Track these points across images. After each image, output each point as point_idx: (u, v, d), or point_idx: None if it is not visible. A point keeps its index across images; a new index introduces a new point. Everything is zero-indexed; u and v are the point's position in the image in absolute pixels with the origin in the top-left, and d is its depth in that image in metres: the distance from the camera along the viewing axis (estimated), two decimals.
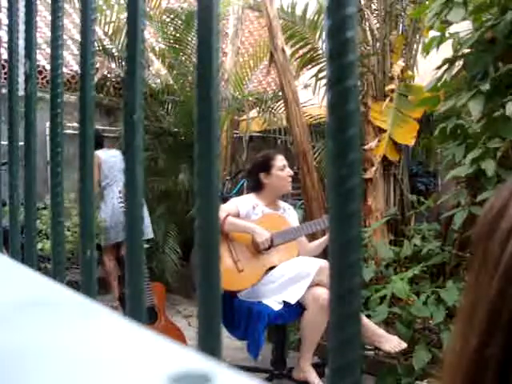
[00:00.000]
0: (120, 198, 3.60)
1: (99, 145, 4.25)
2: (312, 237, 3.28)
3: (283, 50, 4.05)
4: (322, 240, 2.81)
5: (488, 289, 0.51)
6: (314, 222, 2.77)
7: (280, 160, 2.74)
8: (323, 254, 2.86)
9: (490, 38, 2.54)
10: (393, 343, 2.48)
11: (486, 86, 2.43)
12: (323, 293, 2.39)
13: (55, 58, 0.52)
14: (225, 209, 2.60)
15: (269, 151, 2.92)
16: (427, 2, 3.33)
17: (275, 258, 2.62)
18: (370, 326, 2.52)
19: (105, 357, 0.24)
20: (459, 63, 2.84)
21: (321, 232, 2.97)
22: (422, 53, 2.95)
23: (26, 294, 0.33)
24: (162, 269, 4.50)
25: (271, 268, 2.60)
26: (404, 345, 2.49)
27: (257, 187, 2.77)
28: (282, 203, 2.86)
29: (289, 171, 2.75)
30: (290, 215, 2.84)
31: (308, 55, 4.48)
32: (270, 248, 2.60)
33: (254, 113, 5.56)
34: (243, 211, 2.67)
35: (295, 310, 2.53)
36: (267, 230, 2.60)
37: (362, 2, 4.06)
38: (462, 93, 2.59)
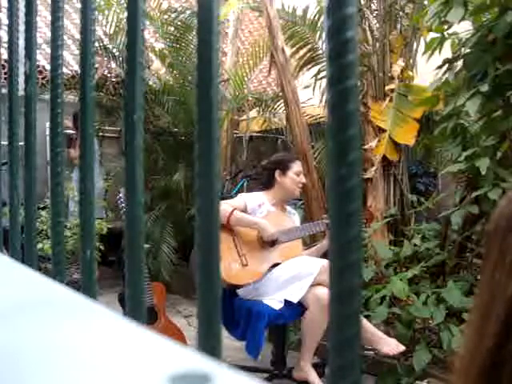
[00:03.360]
0: None
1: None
2: (312, 238, 3.29)
3: (283, 50, 4.05)
4: (314, 249, 2.83)
5: (506, 285, 0.50)
6: (318, 223, 2.78)
7: (298, 165, 2.80)
8: (323, 254, 2.86)
9: (492, 40, 2.54)
10: (391, 346, 2.48)
11: (485, 87, 2.43)
12: (324, 293, 2.39)
13: (55, 58, 0.52)
14: (232, 203, 2.63)
15: (290, 154, 2.99)
16: (426, 3, 3.34)
17: (279, 255, 2.64)
18: (369, 328, 2.53)
19: (105, 357, 0.24)
20: (459, 63, 2.84)
21: (321, 233, 2.98)
22: (423, 54, 2.95)
23: (26, 294, 0.33)
24: (158, 268, 4.50)
25: (274, 266, 2.61)
26: (402, 347, 2.49)
27: (268, 183, 2.79)
28: (287, 207, 2.89)
29: (302, 178, 2.78)
30: (295, 219, 2.87)
31: (308, 55, 4.48)
32: (274, 244, 2.61)
33: (253, 113, 5.55)
34: (250, 207, 2.69)
35: (295, 310, 2.53)
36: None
37: (362, 2, 4.06)
38: (462, 93, 2.59)
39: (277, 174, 2.75)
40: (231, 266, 2.55)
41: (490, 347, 0.50)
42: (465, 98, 2.49)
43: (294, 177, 2.74)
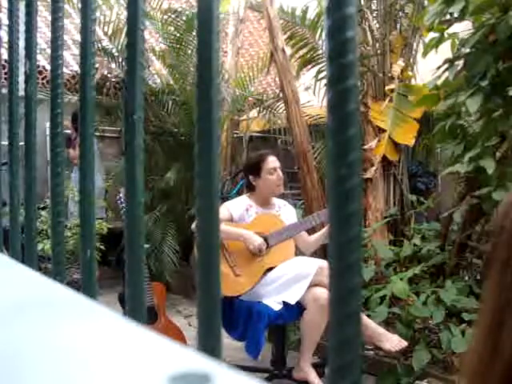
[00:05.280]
0: None
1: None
2: (312, 232, 3.27)
3: (283, 50, 4.05)
4: (321, 232, 2.77)
5: None
6: (309, 218, 2.73)
7: (270, 162, 2.67)
8: (323, 254, 2.85)
9: (493, 41, 2.54)
10: (393, 342, 2.47)
11: (485, 82, 2.43)
12: (323, 293, 2.39)
13: (55, 59, 0.52)
14: None
15: (262, 152, 2.81)
16: (426, 3, 3.34)
17: (272, 259, 2.60)
18: (371, 325, 2.52)
19: (105, 357, 0.24)
20: (459, 63, 2.84)
21: (319, 227, 2.94)
22: (423, 55, 2.95)
23: (26, 294, 0.33)
24: (160, 268, 4.50)
25: (269, 269, 2.59)
26: (404, 343, 2.48)
27: (250, 187, 2.74)
28: (276, 201, 2.81)
29: (278, 174, 2.67)
30: (287, 212, 2.80)
31: (308, 55, 4.48)
32: (264, 251, 2.58)
33: (254, 113, 5.55)
34: (236, 215, 2.65)
35: (295, 310, 2.52)
36: (262, 231, 2.59)
37: (362, 2, 4.06)
38: (462, 92, 2.59)
39: (251, 179, 2.69)
40: (224, 279, 2.49)
41: (507, 359, 0.47)
42: (465, 96, 2.49)
43: (268, 177, 2.65)
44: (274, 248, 2.61)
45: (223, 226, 2.53)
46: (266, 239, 2.58)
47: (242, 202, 2.72)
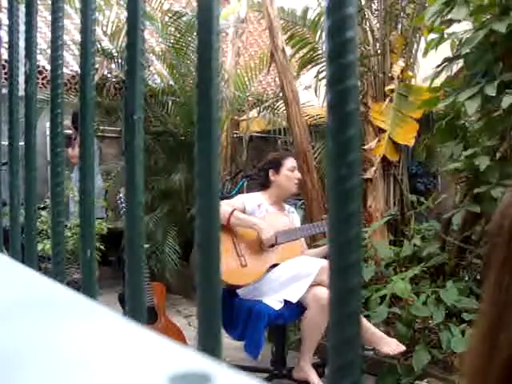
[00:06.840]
0: None
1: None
2: (312, 239, 3.30)
3: (283, 50, 4.05)
4: (321, 249, 2.83)
5: None
6: (318, 224, 2.80)
7: (291, 161, 2.80)
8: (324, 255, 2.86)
9: (493, 40, 2.53)
10: (391, 346, 2.48)
11: (491, 90, 2.42)
12: (324, 292, 2.39)
13: (55, 59, 0.52)
14: (231, 204, 2.64)
15: (283, 152, 2.96)
16: (427, 4, 3.34)
17: (278, 256, 2.64)
18: (369, 328, 2.52)
19: (105, 357, 0.24)
20: (459, 63, 2.84)
21: (322, 235, 2.99)
22: (424, 55, 2.95)
23: (26, 294, 0.33)
24: (161, 269, 4.51)
25: (273, 266, 2.61)
26: (402, 347, 2.48)
27: (264, 184, 2.81)
28: (286, 205, 2.90)
29: (297, 174, 2.79)
30: (294, 218, 2.88)
31: (308, 55, 4.49)
32: (273, 246, 2.62)
33: (254, 113, 5.55)
34: (249, 208, 2.70)
35: (295, 310, 2.53)
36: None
37: (362, 2, 4.06)
38: (462, 92, 2.59)
39: (271, 173, 2.77)
40: (230, 267, 2.56)
41: (505, 359, 0.47)
42: (466, 96, 2.49)
43: (288, 173, 2.76)
44: (281, 246, 2.65)
45: (239, 213, 2.62)
46: (275, 236, 2.62)
47: (255, 197, 2.78)
